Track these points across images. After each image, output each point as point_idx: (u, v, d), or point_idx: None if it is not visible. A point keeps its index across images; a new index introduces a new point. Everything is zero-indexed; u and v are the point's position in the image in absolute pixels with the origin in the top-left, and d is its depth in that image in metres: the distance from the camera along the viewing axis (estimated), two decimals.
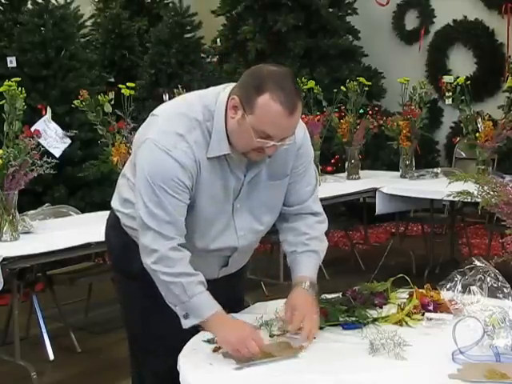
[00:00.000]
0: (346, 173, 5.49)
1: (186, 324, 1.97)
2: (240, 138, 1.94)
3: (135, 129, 3.59)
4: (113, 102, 4.23)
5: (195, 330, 2.01)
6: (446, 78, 5.42)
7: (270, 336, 1.94)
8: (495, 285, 2.01)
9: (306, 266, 2.13)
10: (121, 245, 2.17)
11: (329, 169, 5.86)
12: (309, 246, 2.15)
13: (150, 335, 2.18)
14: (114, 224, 2.22)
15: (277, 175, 2.10)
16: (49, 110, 4.29)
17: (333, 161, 6.09)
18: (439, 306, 2.07)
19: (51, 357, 3.98)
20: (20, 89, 3.54)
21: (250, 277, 4.66)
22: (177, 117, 1.98)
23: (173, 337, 2.00)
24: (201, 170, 1.96)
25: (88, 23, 7.69)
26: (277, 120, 1.86)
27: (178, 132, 1.95)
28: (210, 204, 2.01)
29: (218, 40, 8.01)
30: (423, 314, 2.05)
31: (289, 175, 2.13)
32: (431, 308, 2.07)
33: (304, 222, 2.18)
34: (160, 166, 1.94)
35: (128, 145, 4.03)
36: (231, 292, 2.22)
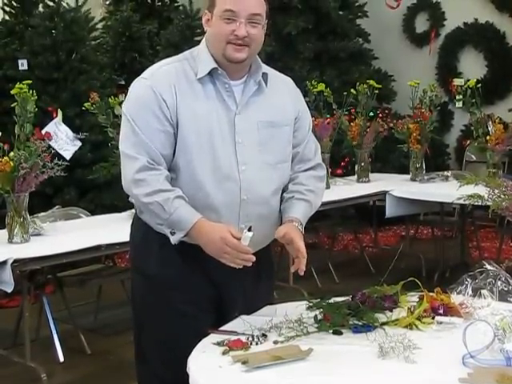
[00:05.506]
0: (356, 176, 5.48)
1: (174, 239, 2.04)
2: (214, 36, 2.08)
3: None
4: None
5: (204, 336, 1.99)
6: (457, 81, 5.40)
7: (274, 343, 1.92)
8: (506, 288, 2.01)
9: (299, 211, 2.19)
10: (139, 237, 2.19)
11: (338, 172, 5.85)
12: (305, 196, 2.22)
13: (158, 341, 2.17)
14: (134, 220, 2.24)
15: (275, 116, 2.15)
16: (60, 112, 4.30)
17: (342, 164, 6.07)
18: (449, 310, 2.06)
19: (61, 358, 3.99)
20: (31, 91, 3.55)
21: None
22: (160, 62, 2.17)
23: (181, 343, 2.00)
24: (177, 94, 2.04)
25: (99, 26, 7.70)
26: None
27: (157, 65, 2.13)
28: (200, 131, 2.05)
29: None
30: (433, 318, 2.04)
31: (290, 126, 2.19)
32: (441, 311, 2.06)
33: (304, 175, 2.26)
34: (134, 96, 2.10)
35: None
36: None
